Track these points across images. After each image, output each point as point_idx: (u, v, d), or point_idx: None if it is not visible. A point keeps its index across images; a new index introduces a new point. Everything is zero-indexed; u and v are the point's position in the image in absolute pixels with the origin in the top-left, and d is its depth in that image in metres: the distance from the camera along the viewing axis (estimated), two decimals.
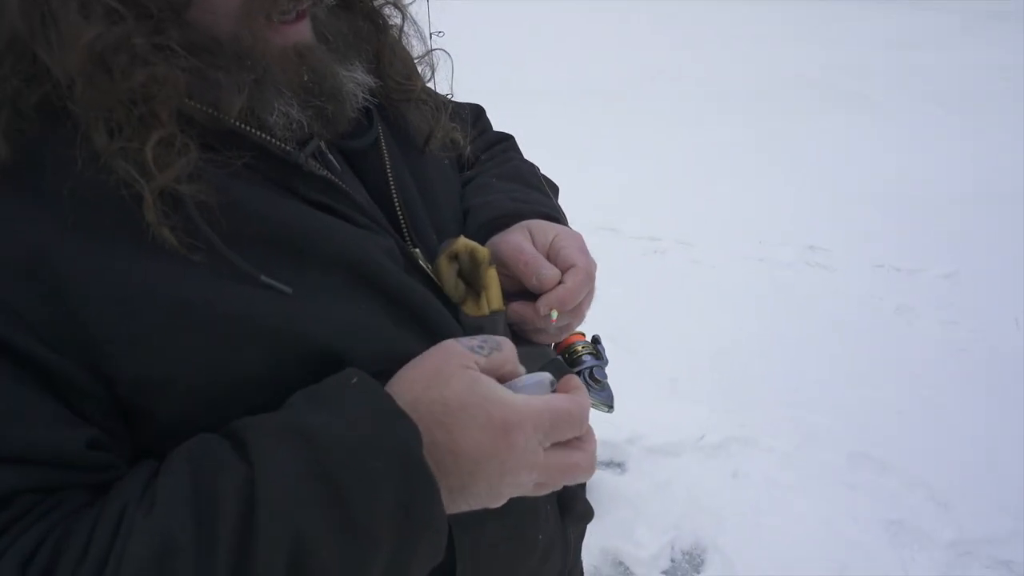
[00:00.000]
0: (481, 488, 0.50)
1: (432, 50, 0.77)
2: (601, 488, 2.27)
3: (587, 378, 0.74)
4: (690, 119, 6.59)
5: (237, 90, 0.51)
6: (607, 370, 0.82)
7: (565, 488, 0.67)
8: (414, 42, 0.74)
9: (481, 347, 0.52)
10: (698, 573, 2.06)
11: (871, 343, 3.10)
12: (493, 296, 0.64)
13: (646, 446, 2.47)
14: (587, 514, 0.68)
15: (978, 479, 2.28)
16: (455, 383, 0.50)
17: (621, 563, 2.07)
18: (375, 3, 0.69)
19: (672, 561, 2.09)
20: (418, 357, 0.53)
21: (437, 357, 0.52)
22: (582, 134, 6.09)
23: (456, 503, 0.51)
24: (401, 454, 0.46)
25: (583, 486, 0.85)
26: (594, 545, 2.09)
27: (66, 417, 0.46)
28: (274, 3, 0.53)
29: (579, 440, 0.53)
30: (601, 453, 2.39)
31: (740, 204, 4.63)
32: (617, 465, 2.43)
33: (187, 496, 0.43)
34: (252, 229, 0.52)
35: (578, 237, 0.73)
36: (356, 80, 0.60)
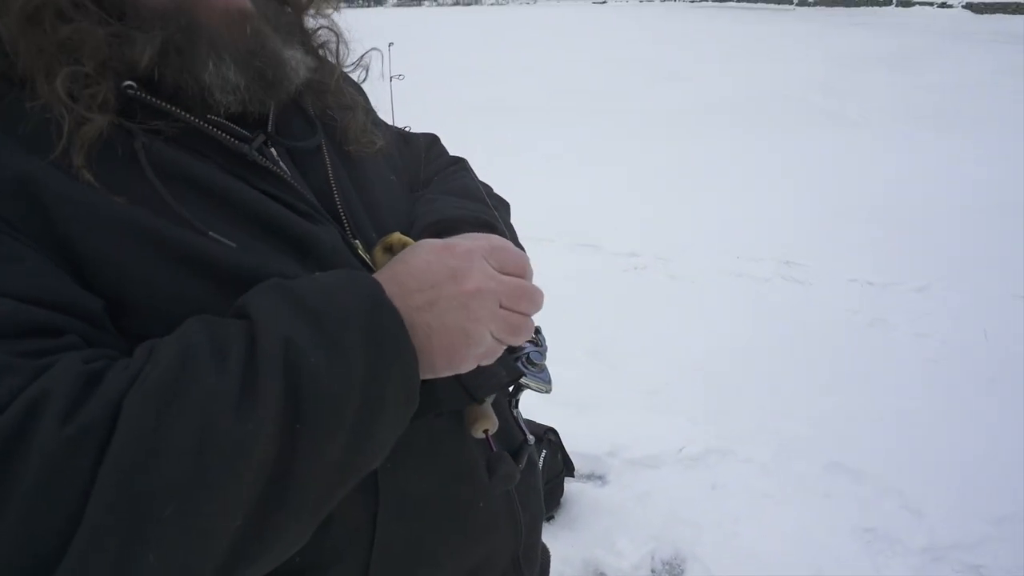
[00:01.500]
0: (445, 303, 0.56)
1: (362, 55, 0.84)
2: (582, 500, 2.30)
3: (524, 362, 0.78)
4: (669, 136, 6.70)
5: (148, 43, 0.57)
6: (547, 356, 0.85)
7: (491, 452, 0.72)
8: (343, 50, 0.80)
9: None
10: None
11: (846, 355, 3.17)
12: None
13: (626, 458, 2.51)
14: (512, 475, 0.72)
15: (949, 486, 2.34)
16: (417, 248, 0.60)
17: (602, 574, 2.09)
18: (303, 13, 0.76)
19: (652, 571, 2.12)
20: None
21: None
22: (562, 151, 6.17)
23: (429, 327, 0.56)
24: (365, 293, 0.54)
25: (529, 464, 0.86)
26: (575, 556, 2.12)
27: (80, 286, 0.53)
28: None
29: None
30: (582, 466, 2.43)
31: (718, 220, 4.71)
32: (598, 477, 2.46)
33: (201, 327, 0.51)
34: (203, 198, 0.58)
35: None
36: (296, 57, 0.67)
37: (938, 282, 3.81)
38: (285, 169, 0.67)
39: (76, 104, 0.54)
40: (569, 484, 2.32)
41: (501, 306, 0.59)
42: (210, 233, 0.57)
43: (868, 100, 7.84)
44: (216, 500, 0.45)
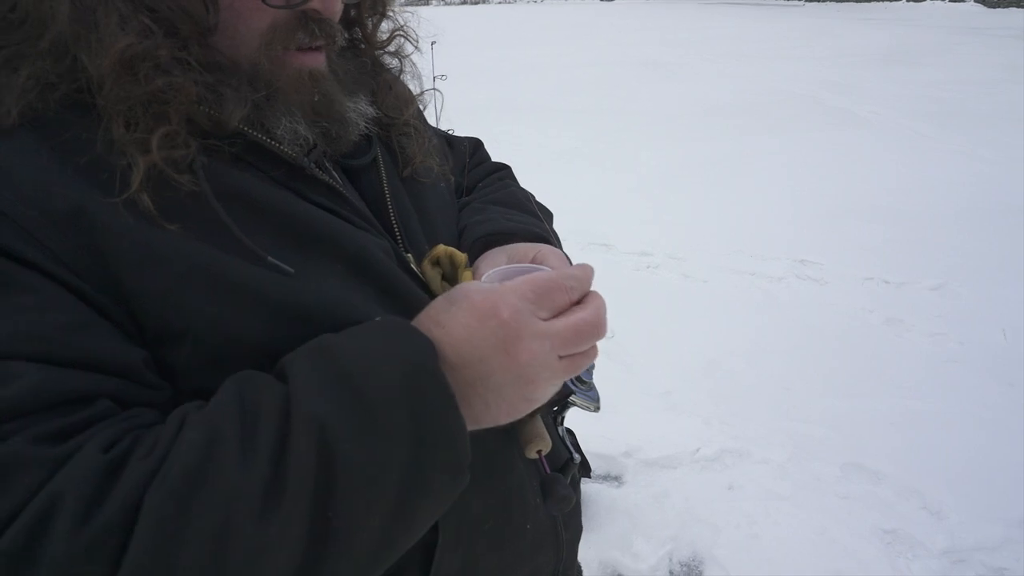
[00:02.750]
0: (499, 377, 0.53)
1: (426, 90, 0.86)
2: (598, 501, 2.29)
3: (573, 380, 0.77)
4: (681, 135, 6.67)
5: (241, 103, 0.58)
6: (594, 374, 0.84)
7: (546, 474, 0.71)
8: (411, 82, 0.84)
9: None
10: None
11: (862, 355, 3.15)
12: None
13: (642, 459, 2.50)
14: (568, 498, 0.70)
15: (970, 487, 2.32)
16: (466, 308, 0.55)
17: (619, 575, 2.09)
18: (377, 51, 0.78)
19: (670, 573, 2.11)
20: None
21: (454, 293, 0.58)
22: (572, 150, 6.16)
23: (485, 400, 0.53)
24: (414, 362, 0.50)
25: (572, 480, 0.87)
26: (592, 557, 2.11)
27: (121, 335, 0.52)
28: (291, 38, 0.61)
29: (579, 304, 0.56)
30: (598, 467, 2.42)
31: (731, 219, 4.68)
32: (614, 478, 2.45)
33: (234, 400, 0.49)
34: (260, 216, 0.58)
35: (560, 253, 0.76)
36: (359, 110, 0.69)
37: (954, 281, 3.78)
38: (340, 181, 0.68)
39: (167, 169, 0.54)
40: (585, 485, 2.32)
41: (560, 357, 0.55)
42: (268, 258, 0.56)
43: (879, 97, 7.78)
44: None
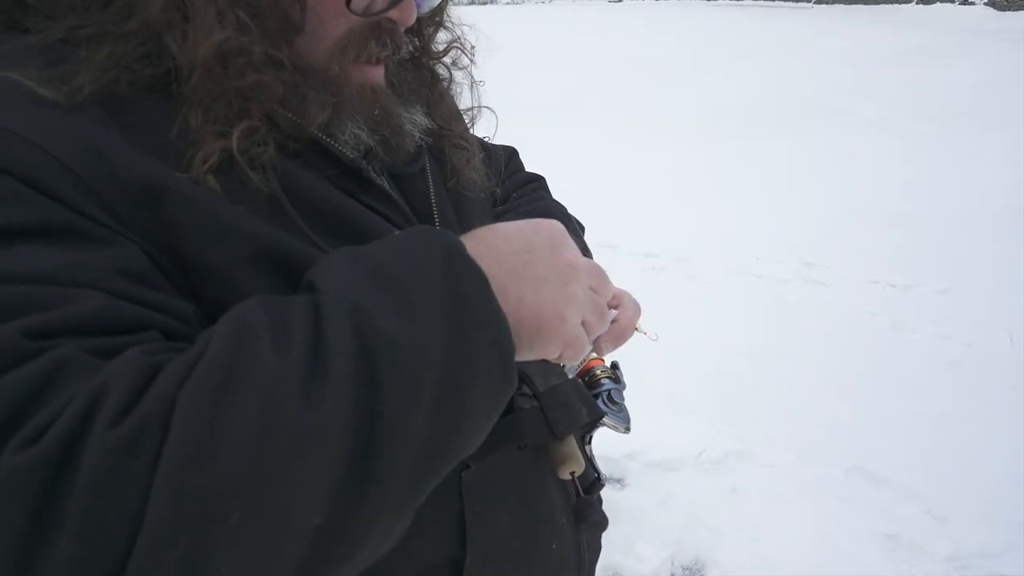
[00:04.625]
0: (542, 270, 0.52)
1: (475, 106, 0.86)
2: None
3: (605, 400, 0.77)
4: (687, 136, 6.66)
5: (322, 107, 0.60)
6: (624, 394, 0.85)
7: (579, 498, 0.70)
8: (468, 93, 0.85)
9: None
10: None
11: (867, 358, 3.14)
12: None
13: (646, 461, 2.50)
14: (602, 523, 0.71)
15: (974, 492, 2.31)
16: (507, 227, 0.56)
17: None
18: (432, 62, 0.80)
19: (672, 575, 2.11)
20: None
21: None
22: (579, 150, 6.15)
23: (520, 294, 0.51)
24: (447, 251, 0.49)
25: (598, 499, 0.87)
26: None
27: (172, 289, 0.52)
28: (364, 47, 0.63)
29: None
30: (601, 469, 2.42)
31: (737, 221, 4.67)
32: (617, 481, 2.45)
33: (261, 302, 0.47)
34: (316, 213, 0.59)
35: (597, 268, 0.76)
36: (414, 121, 0.71)
37: (960, 284, 3.76)
38: (391, 187, 0.69)
39: (242, 161, 0.54)
40: None
41: (591, 288, 0.56)
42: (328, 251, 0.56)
43: (887, 99, 7.75)
44: (289, 498, 0.40)
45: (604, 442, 2.56)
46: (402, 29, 0.65)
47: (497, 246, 0.52)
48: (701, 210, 4.87)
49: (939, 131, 6.55)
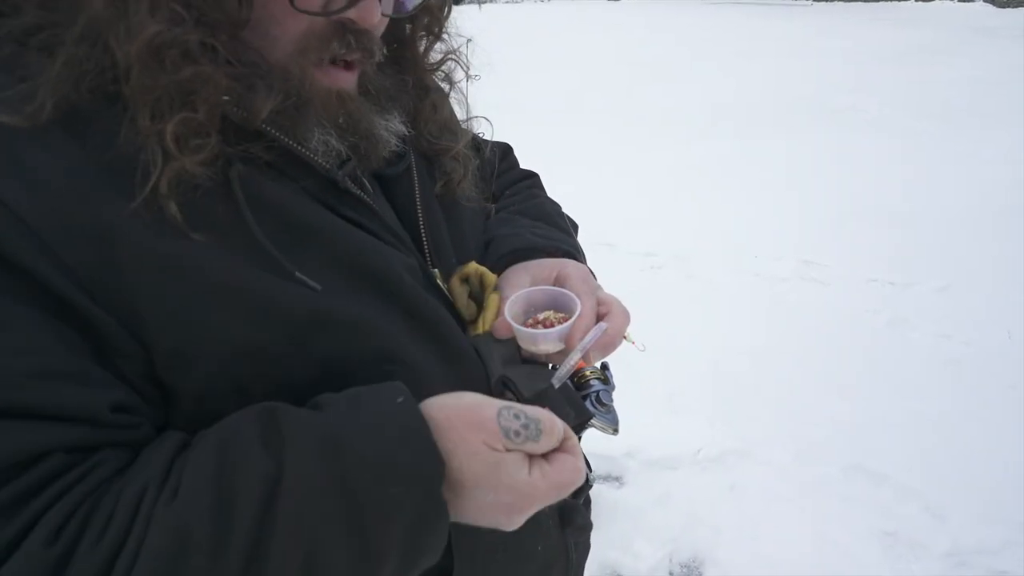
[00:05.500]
0: (495, 518, 0.56)
1: (471, 118, 0.83)
2: (600, 501, 2.29)
3: (594, 401, 0.77)
4: (686, 135, 6.66)
5: (270, 96, 0.57)
6: (614, 395, 0.85)
7: (565, 501, 0.71)
8: (457, 108, 0.82)
9: (518, 434, 0.54)
10: None
11: (865, 356, 3.14)
12: (488, 319, 0.69)
13: (644, 460, 2.50)
14: (587, 527, 0.71)
15: (972, 490, 2.31)
16: (477, 462, 0.53)
17: (619, 575, 2.09)
18: (427, 69, 0.76)
19: (670, 573, 2.11)
20: (457, 395, 0.56)
21: (472, 416, 0.55)
22: (578, 150, 6.15)
23: (470, 518, 0.56)
24: (424, 487, 0.51)
25: (585, 500, 0.87)
26: (593, 558, 2.10)
27: (97, 377, 0.51)
28: (326, 48, 0.60)
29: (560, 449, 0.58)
30: (599, 467, 2.42)
31: (736, 219, 4.67)
32: (615, 479, 2.45)
33: (208, 487, 0.47)
34: (290, 229, 0.58)
35: (583, 270, 0.76)
36: (390, 128, 0.67)
37: (959, 282, 3.76)
38: (372, 196, 0.67)
39: (181, 153, 0.52)
40: None
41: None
42: (297, 274, 0.56)
43: (887, 97, 7.74)
44: None
45: (602, 441, 2.56)
46: (375, 33, 0.63)
47: (457, 485, 0.53)
48: (700, 209, 4.87)
49: (939, 129, 6.54)
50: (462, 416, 0.54)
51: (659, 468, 2.48)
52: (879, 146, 6.11)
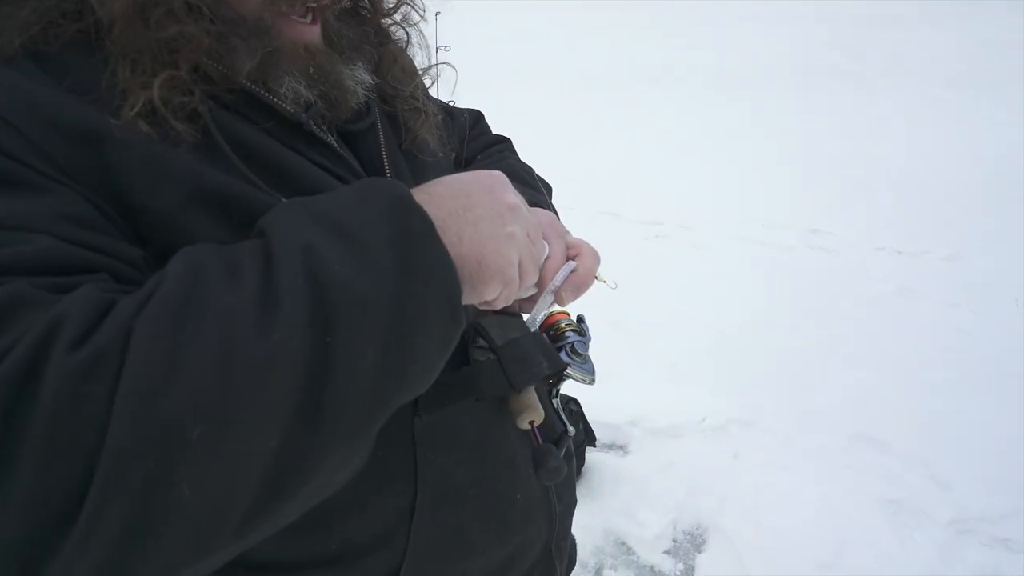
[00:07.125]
0: (481, 210, 0.54)
1: (433, 65, 0.84)
2: (604, 470, 2.30)
3: (568, 352, 0.77)
4: (689, 103, 6.57)
5: (249, 56, 0.58)
6: (591, 347, 0.84)
7: (537, 445, 0.71)
8: (418, 53, 0.82)
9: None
10: (700, 553, 2.08)
11: (872, 325, 3.12)
12: None
13: (648, 428, 2.50)
14: (560, 468, 0.70)
15: (977, 458, 2.30)
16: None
17: (624, 543, 2.10)
18: (383, 21, 0.77)
19: (674, 541, 2.12)
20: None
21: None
22: (582, 119, 6.08)
23: (459, 233, 0.53)
24: (392, 196, 0.50)
25: (567, 454, 0.86)
26: (597, 526, 2.12)
27: (124, 238, 0.53)
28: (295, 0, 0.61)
29: None
30: (603, 435, 2.42)
31: (741, 188, 4.63)
32: (620, 447, 2.45)
33: (212, 248, 0.49)
34: (256, 159, 0.58)
35: (551, 216, 0.75)
36: (356, 77, 0.68)
37: (967, 250, 3.73)
38: (338, 142, 0.67)
39: (166, 111, 0.53)
40: (591, 453, 2.32)
41: (527, 235, 0.58)
42: (274, 195, 0.56)
43: (893, 61, 7.62)
44: (247, 419, 0.42)
45: (606, 409, 2.55)
46: None
47: (437, 192, 0.55)
48: (705, 177, 4.82)
49: (947, 93, 6.44)
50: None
51: (663, 437, 2.48)
52: (886, 112, 6.03)
